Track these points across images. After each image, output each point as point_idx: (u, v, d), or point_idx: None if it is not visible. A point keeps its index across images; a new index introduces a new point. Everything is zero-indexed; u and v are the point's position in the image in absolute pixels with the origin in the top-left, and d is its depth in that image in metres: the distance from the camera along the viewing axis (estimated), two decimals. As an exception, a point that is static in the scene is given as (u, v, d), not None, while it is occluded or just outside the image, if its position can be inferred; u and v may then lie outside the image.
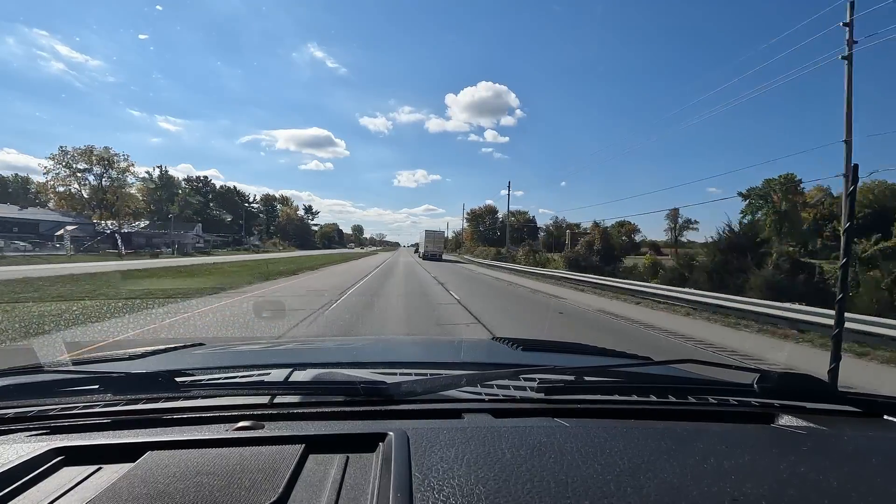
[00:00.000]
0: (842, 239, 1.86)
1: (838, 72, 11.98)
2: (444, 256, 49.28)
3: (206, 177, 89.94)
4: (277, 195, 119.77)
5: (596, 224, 36.32)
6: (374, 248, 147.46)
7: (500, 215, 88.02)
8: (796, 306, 8.77)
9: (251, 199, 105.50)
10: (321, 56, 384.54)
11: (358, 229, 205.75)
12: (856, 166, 1.88)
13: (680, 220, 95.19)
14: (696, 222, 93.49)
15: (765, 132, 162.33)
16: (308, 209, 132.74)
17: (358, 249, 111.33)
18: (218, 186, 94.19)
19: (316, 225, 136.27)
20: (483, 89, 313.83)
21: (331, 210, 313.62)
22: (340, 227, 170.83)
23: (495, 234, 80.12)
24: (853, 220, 1.82)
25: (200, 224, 72.30)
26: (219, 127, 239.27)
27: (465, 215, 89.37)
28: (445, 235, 73.44)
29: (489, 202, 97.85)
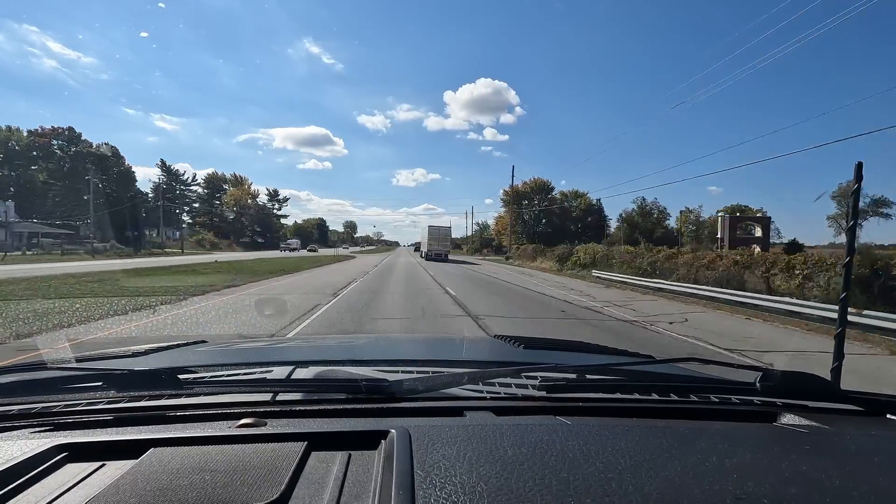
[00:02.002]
0: (846, 236, 1.85)
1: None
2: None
3: (70, 128, 54.82)
4: (228, 175, 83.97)
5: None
6: (354, 248, 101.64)
7: (556, 194, 56.57)
8: None
9: (188, 179, 73.53)
10: (317, 52, 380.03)
11: (351, 226, 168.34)
12: (860, 164, 1.87)
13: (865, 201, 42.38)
14: (891, 204, 46.19)
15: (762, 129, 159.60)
16: (273, 194, 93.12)
17: (301, 253, 56.54)
18: (94, 146, 56.31)
19: (284, 216, 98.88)
20: (482, 86, 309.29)
21: (330, 209, 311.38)
22: (327, 224, 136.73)
23: (549, 226, 50.26)
24: (857, 218, 1.82)
25: (12, 202, 46.74)
26: (215, 125, 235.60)
27: (503, 194, 53.21)
28: (466, 232, 59.34)
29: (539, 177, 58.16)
